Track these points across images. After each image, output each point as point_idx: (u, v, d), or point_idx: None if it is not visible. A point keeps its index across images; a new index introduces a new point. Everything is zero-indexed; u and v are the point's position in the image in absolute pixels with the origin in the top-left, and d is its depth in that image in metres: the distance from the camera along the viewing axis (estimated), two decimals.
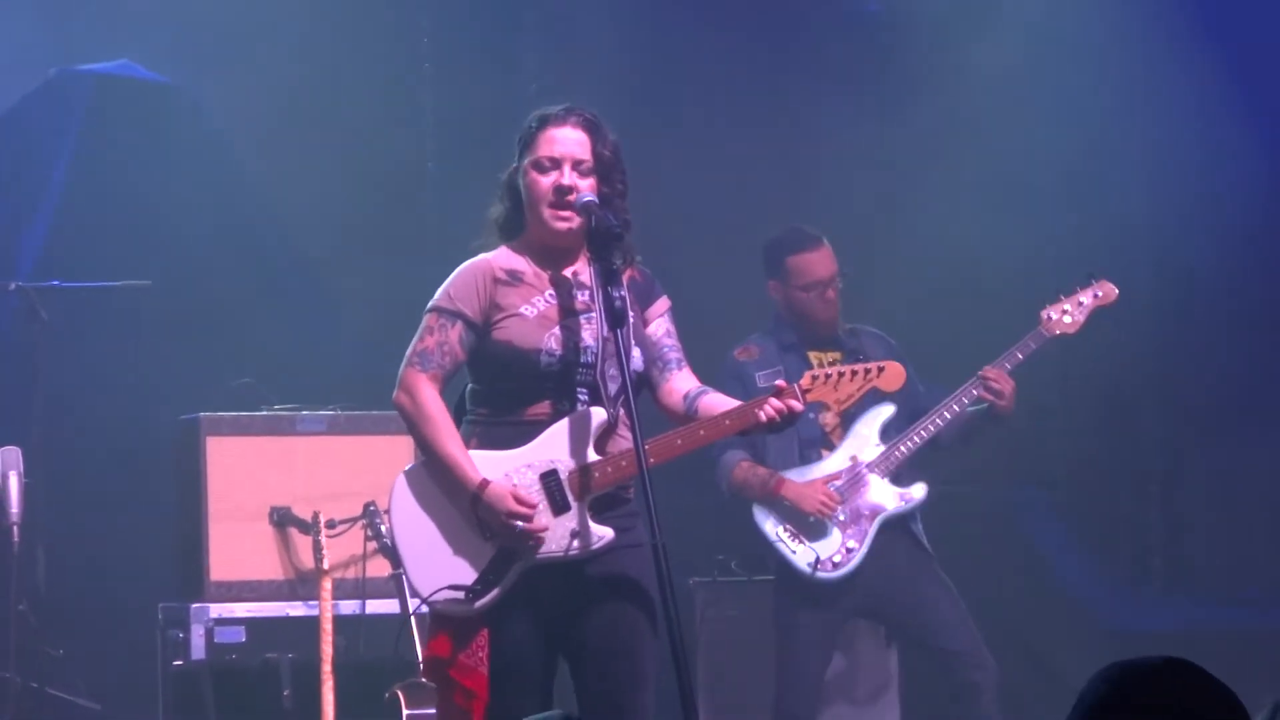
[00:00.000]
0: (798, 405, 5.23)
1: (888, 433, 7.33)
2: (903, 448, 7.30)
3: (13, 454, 7.45)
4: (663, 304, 5.47)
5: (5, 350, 8.40)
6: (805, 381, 5.33)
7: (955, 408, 7.30)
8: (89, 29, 8.86)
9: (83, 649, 8.15)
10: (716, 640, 8.01)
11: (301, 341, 8.78)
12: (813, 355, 7.34)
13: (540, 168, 5.27)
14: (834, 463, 7.31)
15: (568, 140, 5.26)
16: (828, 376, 5.36)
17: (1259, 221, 9.25)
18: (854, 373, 5.40)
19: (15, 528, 7.40)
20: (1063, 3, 9.32)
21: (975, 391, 7.30)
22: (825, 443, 7.37)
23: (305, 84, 8.85)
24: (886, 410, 7.30)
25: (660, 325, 5.44)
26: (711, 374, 5.56)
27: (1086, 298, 7.35)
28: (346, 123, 8.90)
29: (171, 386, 8.38)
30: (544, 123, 5.30)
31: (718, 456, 7.32)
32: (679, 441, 5.24)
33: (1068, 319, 7.33)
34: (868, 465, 7.29)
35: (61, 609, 8.08)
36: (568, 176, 5.24)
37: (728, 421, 5.25)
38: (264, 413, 7.80)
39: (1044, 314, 7.32)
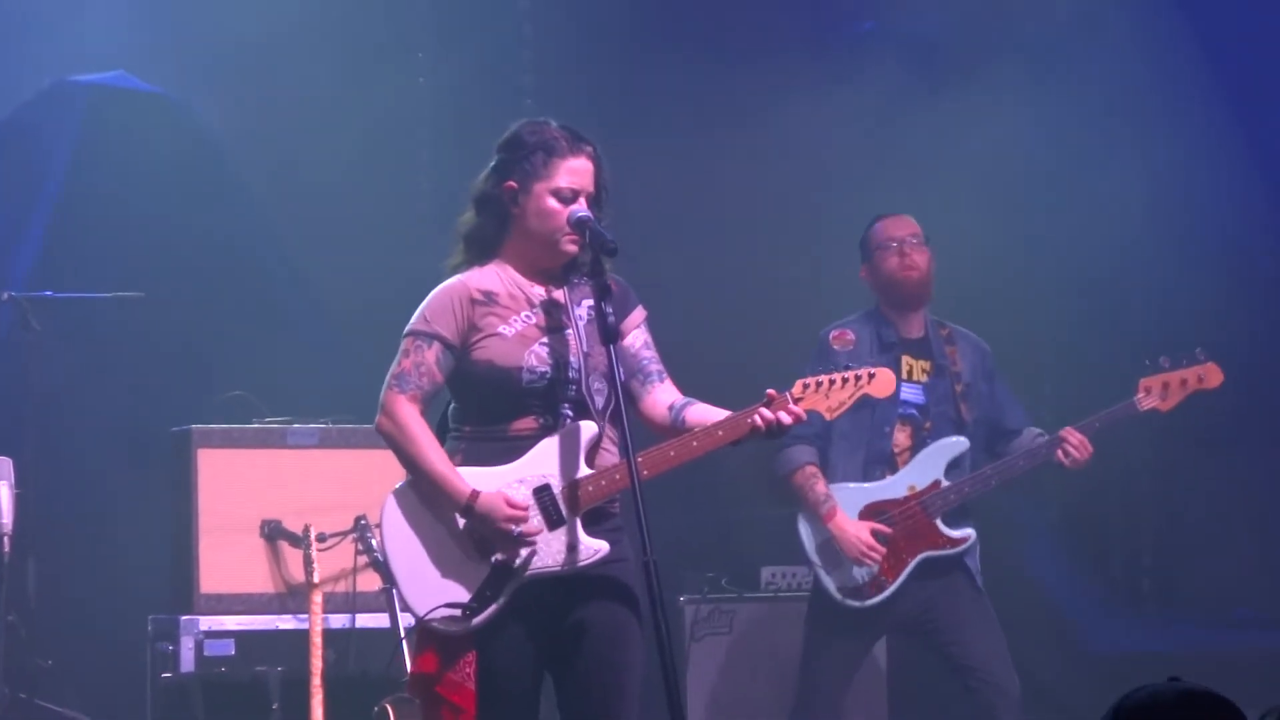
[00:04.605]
0: (787, 419, 5.23)
1: (954, 468, 7.15)
2: (963, 491, 7.11)
3: (4, 465, 7.45)
4: (639, 314, 5.46)
5: None
6: (797, 390, 5.31)
7: (1026, 464, 7.13)
8: (84, 39, 8.86)
9: (72, 661, 8.14)
10: (706, 658, 7.99)
11: (293, 354, 8.78)
12: (905, 361, 7.15)
13: (562, 198, 5.29)
14: (891, 489, 7.15)
15: (586, 173, 5.32)
16: (819, 385, 5.35)
17: (1254, 244, 9.26)
18: (844, 380, 5.38)
19: (6, 539, 7.40)
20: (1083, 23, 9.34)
21: (1054, 453, 7.08)
22: (891, 464, 7.17)
23: (301, 96, 8.87)
24: (958, 444, 7.15)
25: (638, 337, 5.44)
26: (695, 384, 5.52)
27: (1190, 378, 7.09)
28: (341, 135, 8.90)
29: (163, 398, 8.37)
30: (557, 151, 5.30)
31: (784, 446, 7.07)
32: (672, 453, 5.23)
33: (1164, 398, 7.09)
34: (922, 501, 7.12)
35: (51, 620, 8.07)
36: (584, 209, 5.29)
37: (721, 432, 5.24)
38: (255, 425, 7.80)
39: (1142, 385, 7.10)
